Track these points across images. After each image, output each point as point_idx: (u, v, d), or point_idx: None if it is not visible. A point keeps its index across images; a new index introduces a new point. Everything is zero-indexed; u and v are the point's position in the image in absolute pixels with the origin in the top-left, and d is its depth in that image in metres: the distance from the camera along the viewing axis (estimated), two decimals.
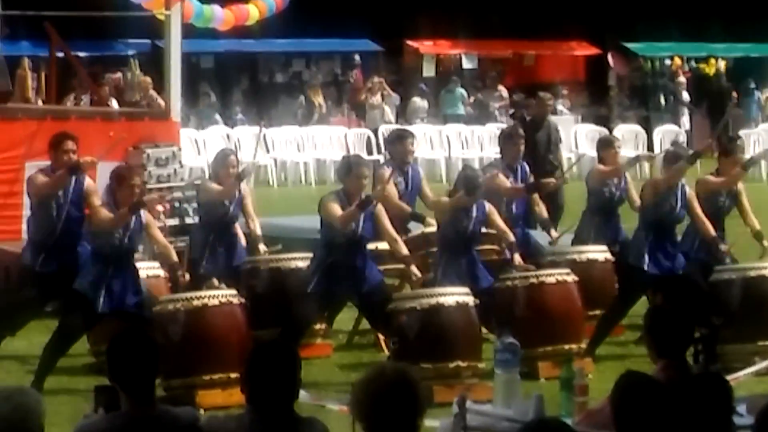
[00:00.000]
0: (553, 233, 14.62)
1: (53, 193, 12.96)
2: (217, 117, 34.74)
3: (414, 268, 12.84)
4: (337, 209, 12.49)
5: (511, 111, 36.97)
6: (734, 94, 38.42)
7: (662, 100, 40.19)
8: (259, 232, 13.95)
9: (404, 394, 5.92)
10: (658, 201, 13.35)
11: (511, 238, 13.45)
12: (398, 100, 37.48)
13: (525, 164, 14.93)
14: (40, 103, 19.30)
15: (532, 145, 17.09)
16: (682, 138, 33.52)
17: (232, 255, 13.63)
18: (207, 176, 14.63)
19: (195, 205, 14.91)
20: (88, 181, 13.32)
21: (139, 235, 12.45)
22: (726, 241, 13.82)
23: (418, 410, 5.95)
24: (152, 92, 20.24)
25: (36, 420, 5.61)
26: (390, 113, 35.83)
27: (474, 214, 13.11)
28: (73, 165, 12.89)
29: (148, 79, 20.40)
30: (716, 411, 6.31)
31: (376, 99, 36.33)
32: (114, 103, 23.55)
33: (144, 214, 12.45)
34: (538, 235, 14.76)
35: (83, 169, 12.97)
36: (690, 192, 13.61)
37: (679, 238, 13.72)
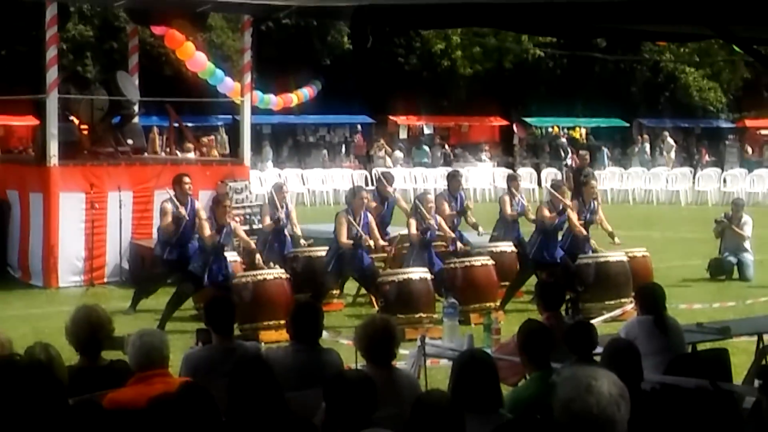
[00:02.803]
0: (480, 230, 14.32)
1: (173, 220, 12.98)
2: (270, 163, 34.83)
3: (387, 248, 13.21)
4: (343, 230, 12.44)
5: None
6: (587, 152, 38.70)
7: (547, 152, 40.41)
8: (299, 233, 13.93)
9: (387, 334, 5.89)
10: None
11: (452, 235, 13.62)
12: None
13: (462, 193, 14.72)
14: (163, 154, 19.30)
15: (577, 184, 16.32)
16: (560, 176, 33.55)
17: (282, 248, 13.55)
18: (267, 201, 14.52)
19: (259, 217, 14.94)
20: (197, 204, 13.33)
21: (229, 237, 12.43)
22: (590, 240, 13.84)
23: (395, 343, 5.92)
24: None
25: (164, 350, 5.63)
26: (390, 162, 36.09)
27: (431, 224, 13.15)
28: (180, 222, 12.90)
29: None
30: (590, 342, 6.28)
31: (381, 153, 36.77)
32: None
33: (232, 224, 12.44)
34: (469, 236, 14.67)
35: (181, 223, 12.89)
36: (569, 210, 13.59)
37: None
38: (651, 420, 5.07)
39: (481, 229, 14.41)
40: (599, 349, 6.31)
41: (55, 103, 15.43)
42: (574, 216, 13.55)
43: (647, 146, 39.25)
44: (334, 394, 4.67)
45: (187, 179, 13.26)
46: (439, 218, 13.43)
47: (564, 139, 40.23)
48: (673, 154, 38.48)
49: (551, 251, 13.39)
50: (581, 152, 23.39)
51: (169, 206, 13.06)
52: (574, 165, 33.45)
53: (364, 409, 4.59)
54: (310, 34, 39.60)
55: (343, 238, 12.46)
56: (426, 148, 38.62)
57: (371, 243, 12.56)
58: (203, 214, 12.53)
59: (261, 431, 4.55)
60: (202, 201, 14.46)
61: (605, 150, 40.17)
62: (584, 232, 13.49)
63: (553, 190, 13.91)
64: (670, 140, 39.40)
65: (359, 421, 4.50)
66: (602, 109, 43.94)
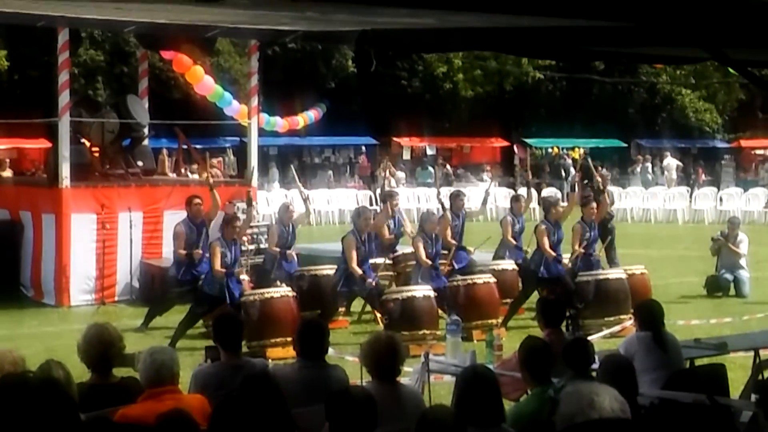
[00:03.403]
0: (470, 249, 14.12)
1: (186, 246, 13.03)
2: (277, 183, 34.78)
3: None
4: (352, 253, 12.37)
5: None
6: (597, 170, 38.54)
7: (548, 172, 40.39)
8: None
9: (392, 350, 5.88)
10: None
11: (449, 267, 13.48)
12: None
13: (464, 212, 14.54)
14: (173, 176, 19.33)
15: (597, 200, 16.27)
16: (560, 195, 33.48)
17: (289, 266, 13.51)
18: (273, 220, 14.52)
19: (266, 236, 14.91)
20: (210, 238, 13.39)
21: (240, 254, 12.49)
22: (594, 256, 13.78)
23: (400, 360, 5.91)
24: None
25: (174, 367, 5.62)
26: (394, 182, 36.07)
27: (435, 243, 13.13)
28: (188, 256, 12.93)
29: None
30: (587, 358, 6.25)
31: (386, 174, 36.61)
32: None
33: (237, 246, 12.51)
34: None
35: (195, 259, 12.90)
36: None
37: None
38: None
39: (471, 249, 14.24)
40: (595, 365, 6.26)
41: (67, 126, 15.49)
42: (545, 240, 13.39)
43: (649, 166, 39.24)
44: (335, 411, 4.66)
45: (197, 200, 13.31)
46: (441, 239, 13.37)
47: (569, 160, 40.22)
48: (674, 174, 38.41)
49: (554, 266, 13.36)
50: (603, 173, 23.33)
51: (181, 230, 13.12)
52: (595, 186, 33.38)
53: (365, 425, 4.57)
54: (316, 58, 39.74)
55: (353, 263, 12.40)
56: (430, 168, 38.69)
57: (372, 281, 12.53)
58: (216, 245, 12.42)
59: None
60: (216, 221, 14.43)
61: (603, 170, 40.20)
62: (552, 254, 13.34)
63: (545, 208, 14.01)
64: (672, 160, 39.32)
65: None
66: (601, 130, 43.99)
